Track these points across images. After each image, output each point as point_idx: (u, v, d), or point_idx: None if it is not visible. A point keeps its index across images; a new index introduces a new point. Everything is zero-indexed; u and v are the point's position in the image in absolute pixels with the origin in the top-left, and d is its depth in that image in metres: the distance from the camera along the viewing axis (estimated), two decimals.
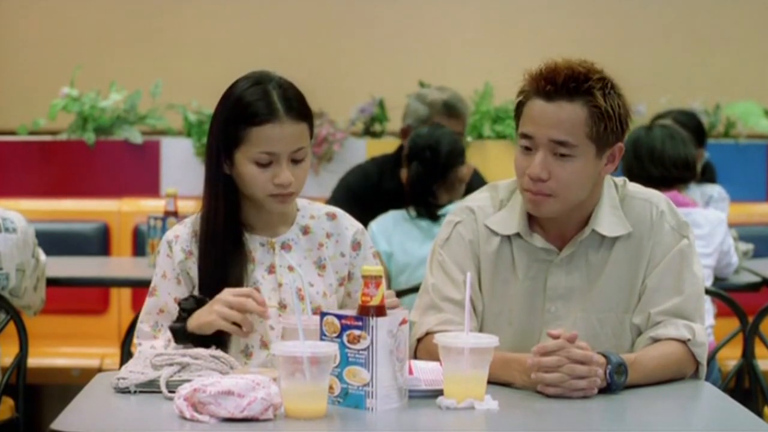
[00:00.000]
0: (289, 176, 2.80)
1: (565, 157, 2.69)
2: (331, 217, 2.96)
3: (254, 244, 2.89)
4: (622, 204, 2.82)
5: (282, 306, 2.85)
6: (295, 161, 2.82)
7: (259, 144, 2.78)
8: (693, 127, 5.49)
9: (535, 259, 2.82)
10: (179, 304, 2.81)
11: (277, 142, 2.79)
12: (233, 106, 2.81)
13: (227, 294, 2.73)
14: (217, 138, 2.84)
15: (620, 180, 2.88)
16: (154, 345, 2.81)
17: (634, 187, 2.88)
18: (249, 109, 2.79)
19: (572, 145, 2.68)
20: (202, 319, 2.74)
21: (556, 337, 2.57)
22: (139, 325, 2.87)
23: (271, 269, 2.88)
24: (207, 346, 2.66)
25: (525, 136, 2.73)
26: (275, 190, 2.81)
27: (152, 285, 2.88)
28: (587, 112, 2.67)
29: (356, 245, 2.95)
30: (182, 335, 2.76)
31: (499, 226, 2.84)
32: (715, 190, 5.51)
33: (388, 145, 5.53)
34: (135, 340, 2.87)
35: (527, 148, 2.73)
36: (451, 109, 5.07)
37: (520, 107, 2.76)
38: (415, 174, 4.54)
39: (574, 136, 2.68)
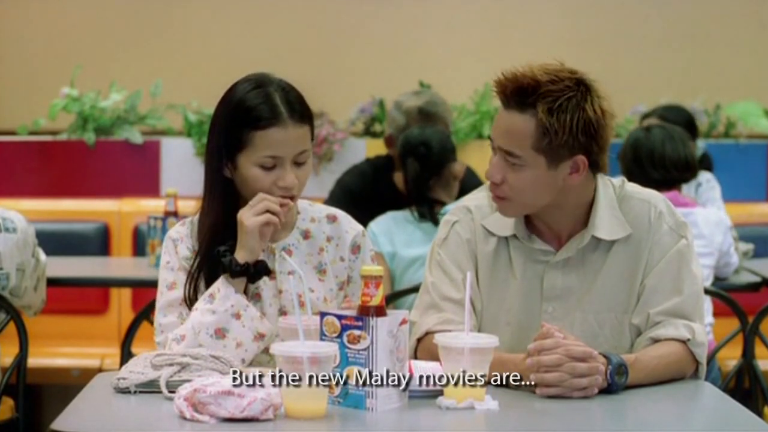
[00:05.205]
0: (293, 179, 2.79)
1: (515, 166, 2.71)
2: (332, 219, 2.95)
3: None
4: (620, 204, 2.82)
5: (282, 313, 2.83)
6: (298, 164, 2.81)
7: (264, 148, 2.77)
8: (683, 122, 5.47)
9: (532, 259, 2.82)
10: (217, 252, 2.78)
11: (282, 145, 2.78)
12: (235, 109, 2.79)
13: (246, 213, 2.74)
14: (218, 141, 2.82)
15: (618, 180, 2.88)
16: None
17: (633, 188, 2.88)
18: (252, 113, 2.77)
19: (517, 155, 2.69)
20: (244, 246, 2.75)
21: (546, 333, 2.56)
22: (161, 320, 2.81)
23: (272, 275, 2.87)
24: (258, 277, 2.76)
25: (489, 138, 2.77)
26: (279, 192, 2.79)
27: (170, 279, 2.83)
28: (534, 125, 2.67)
29: (356, 248, 2.94)
30: (236, 269, 2.76)
31: (496, 227, 2.84)
32: (703, 177, 5.49)
33: None
34: (156, 338, 2.80)
35: (493, 150, 2.77)
36: (426, 114, 5.01)
37: None
38: (412, 170, 4.53)
39: (519, 147, 2.69)
